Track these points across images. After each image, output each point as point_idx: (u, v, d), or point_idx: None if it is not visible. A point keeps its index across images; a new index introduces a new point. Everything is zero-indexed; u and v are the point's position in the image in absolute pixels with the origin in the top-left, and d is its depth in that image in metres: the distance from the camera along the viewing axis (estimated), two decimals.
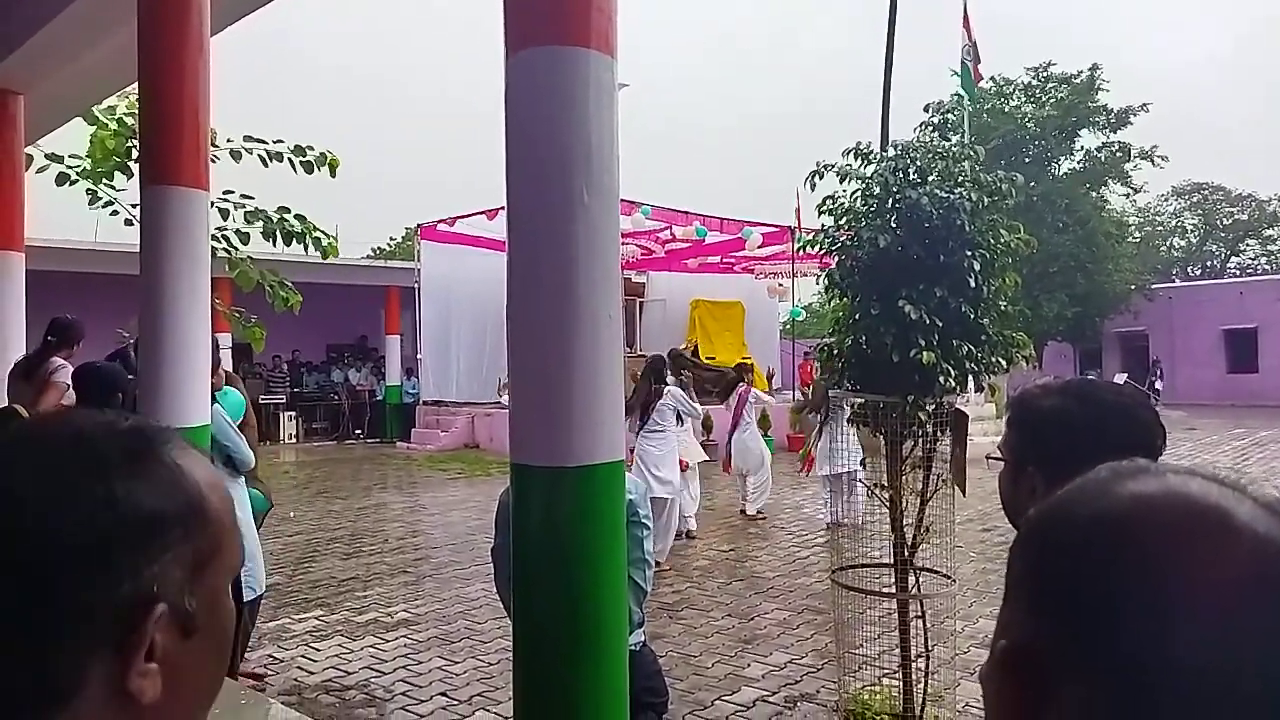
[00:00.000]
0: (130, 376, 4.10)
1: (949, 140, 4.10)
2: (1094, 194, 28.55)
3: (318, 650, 5.17)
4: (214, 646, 0.61)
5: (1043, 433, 1.32)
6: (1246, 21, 78.45)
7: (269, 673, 4.78)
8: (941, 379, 3.55)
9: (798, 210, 15.45)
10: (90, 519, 0.54)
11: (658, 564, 7.08)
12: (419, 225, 17.37)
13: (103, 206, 6.06)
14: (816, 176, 4.01)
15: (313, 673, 4.82)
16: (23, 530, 0.53)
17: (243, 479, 4.38)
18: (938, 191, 3.60)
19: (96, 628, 0.53)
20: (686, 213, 15.78)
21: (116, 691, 0.54)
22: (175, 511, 0.57)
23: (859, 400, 3.84)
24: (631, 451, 7.55)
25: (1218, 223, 38.63)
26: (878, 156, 3.90)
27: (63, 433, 0.59)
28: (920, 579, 3.82)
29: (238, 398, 4.57)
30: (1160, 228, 39.19)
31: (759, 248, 16.98)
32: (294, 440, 18.20)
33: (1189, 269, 39.79)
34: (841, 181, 3.92)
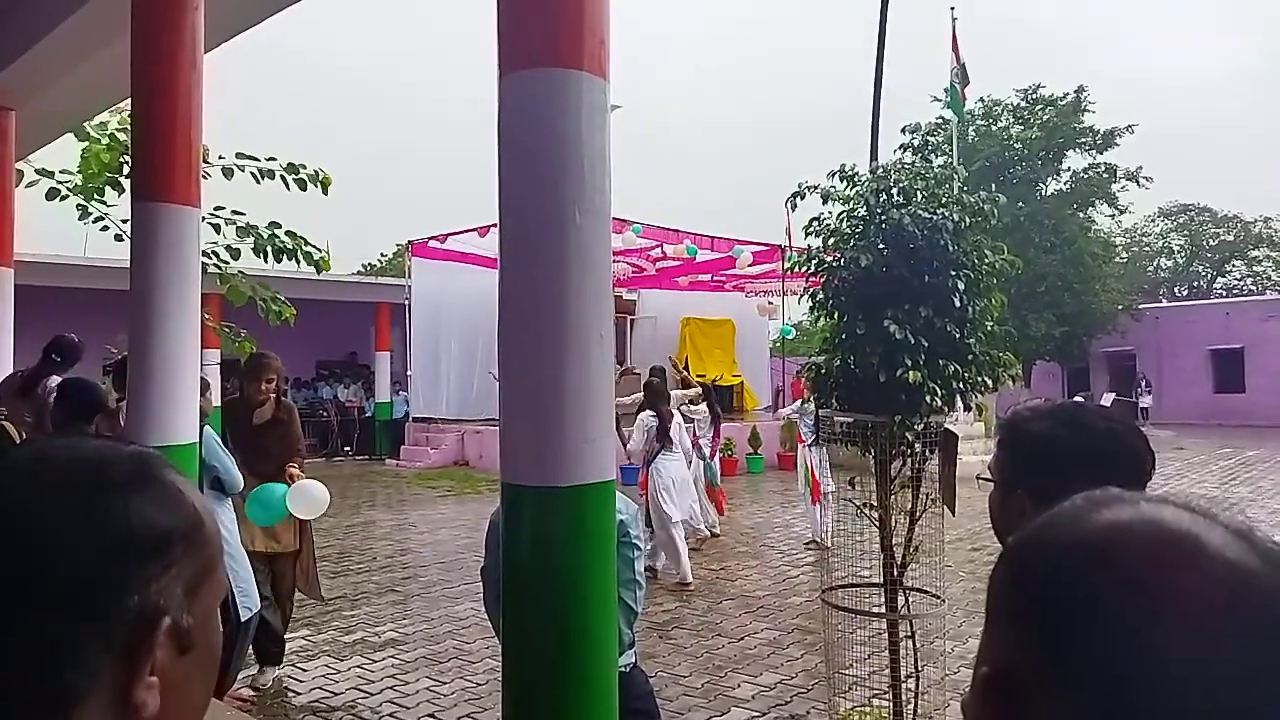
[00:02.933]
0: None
1: (931, 161, 4.17)
2: (1080, 215, 28.85)
3: (304, 670, 5.12)
4: (206, 665, 0.63)
5: (1031, 456, 1.32)
6: (1236, 40, 79.74)
7: (255, 693, 4.73)
8: (928, 398, 3.57)
9: (788, 229, 15.54)
10: (104, 533, 0.57)
11: (685, 583, 7.10)
12: (410, 242, 17.37)
13: (93, 222, 6.05)
14: (798, 198, 4.05)
15: (299, 693, 4.77)
16: (39, 545, 0.55)
17: (229, 501, 4.36)
18: (920, 212, 3.63)
19: (107, 640, 0.56)
20: (677, 231, 15.84)
21: (120, 703, 0.56)
22: (180, 529, 0.60)
23: (847, 420, 3.86)
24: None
25: (1204, 243, 39.04)
26: (861, 178, 3.94)
27: (73, 454, 0.61)
28: (910, 599, 3.82)
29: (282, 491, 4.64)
30: (1147, 248, 39.59)
31: (749, 266, 17.05)
32: None
33: (1176, 289, 40.14)
34: (824, 202, 3.96)
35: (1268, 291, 34.64)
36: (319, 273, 6.54)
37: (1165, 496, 0.53)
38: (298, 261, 6.26)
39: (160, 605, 0.58)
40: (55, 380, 4.48)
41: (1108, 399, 22.38)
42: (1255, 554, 0.48)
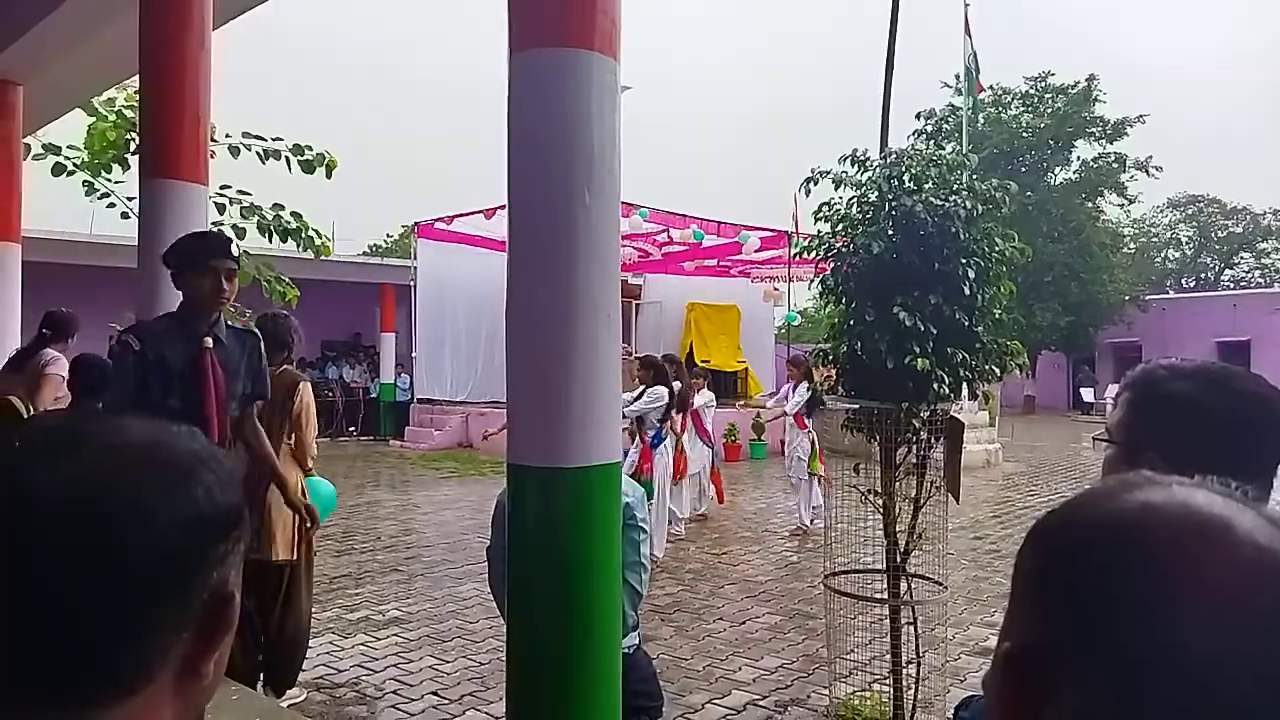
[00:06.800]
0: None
1: (944, 148, 4.15)
2: (1089, 204, 28.72)
3: (309, 647, 5.15)
4: (232, 637, 0.64)
5: (1172, 419, 1.17)
6: (1246, 31, 78.93)
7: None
8: (936, 386, 3.56)
9: (795, 215, 15.48)
10: (190, 512, 0.58)
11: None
12: (416, 223, 17.35)
13: (99, 199, 6.06)
14: (811, 183, 4.03)
15: (303, 669, 4.80)
16: (132, 525, 0.55)
17: None
18: (933, 199, 3.61)
19: (187, 616, 0.57)
20: (684, 216, 15.78)
21: (189, 674, 0.58)
22: (239, 506, 0.62)
23: (853, 406, 3.85)
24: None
25: (1212, 235, 38.87)
26: (873, 163, 3.91)
27: (137, 436, 0.61)
28: (912, 585, 3.83)
29: (329, 489, 4.37)
30: (1155, 239, 39.43)
31: (756, 252, 17.00)
32: None
33: (1183, 280, 40.00)
34: (837, 188, 3.93)
35: (1276, 284, 34.49)
36: (316, 257, 6.53)
37: (1198, 481, 0.53)
38: (299, 245, 6.27)
39: (230, 581, 0.60)
40: (51, 354, 4.49)
41: (1111, 390, 22.32)
42: None
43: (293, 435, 4.05)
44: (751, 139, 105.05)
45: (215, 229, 4.90)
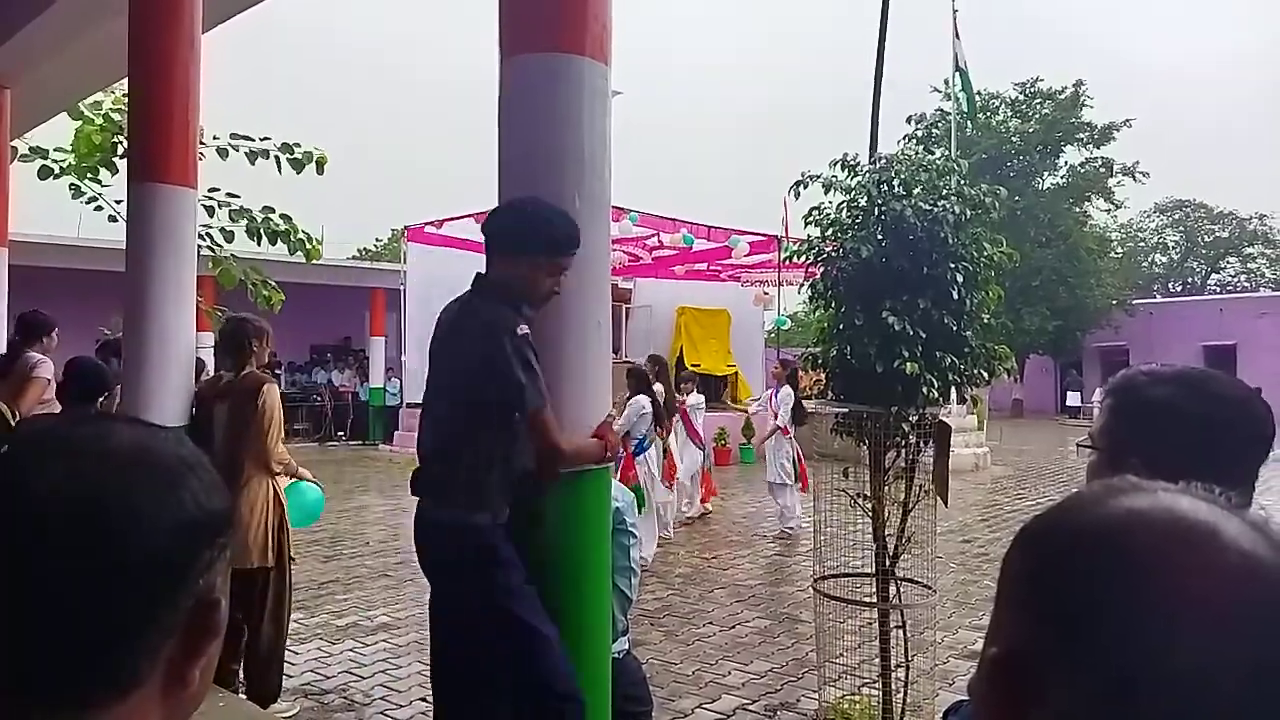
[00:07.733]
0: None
1: (933, 153, 4.16)
2: (1077, 209, 28.94)
3: (296, 653, 5.12)
4: (219, 643, 0.65)
5: (1154, 425, 1.18)
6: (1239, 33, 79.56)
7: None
8: (924, 390, 3.57)
9: (785, 220, 15.51)
10: (178, 518, 0.58)
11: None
12: (406, 227, 17.30)
13: (86, 202, 6.02)
14: (801, 186, 4.04)
15: (291, 676, 4.77)
16: (121, 530, 0.55)
17: None
18: (921, 204, 3.63)
19: (175, 621, 0.58)
20: (674, 220, 15.79)
21: (175, 679, 0.59)
22: (227, 511, 0.62)
23: (842, 410, 3.86)
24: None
25: (1199, 240, 39.19)
26: (863, 168, 3.93)
27: (128, 440, 0.61)
28: (901, 589, 3.84)
29: (317, 494, 4.23)
30: (1142, 244, 39.73)
31: (746, 256, 17.03)
32: None
33: (1170, 285, 40.29)
34: (826, 192, 3.95)
35: (1261, 288, 34.78)
36: (308, 260, 6.51)
37: (1184, 487, 0.53)
38: (290, 248, 6.25)
39: (216, 586, 0.61)
40: (37, 357, 4.45)
41: (1098, 394, 22.44)
42: (1271, 547, 0.48)
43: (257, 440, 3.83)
44: (751, 139, 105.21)
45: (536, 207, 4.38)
